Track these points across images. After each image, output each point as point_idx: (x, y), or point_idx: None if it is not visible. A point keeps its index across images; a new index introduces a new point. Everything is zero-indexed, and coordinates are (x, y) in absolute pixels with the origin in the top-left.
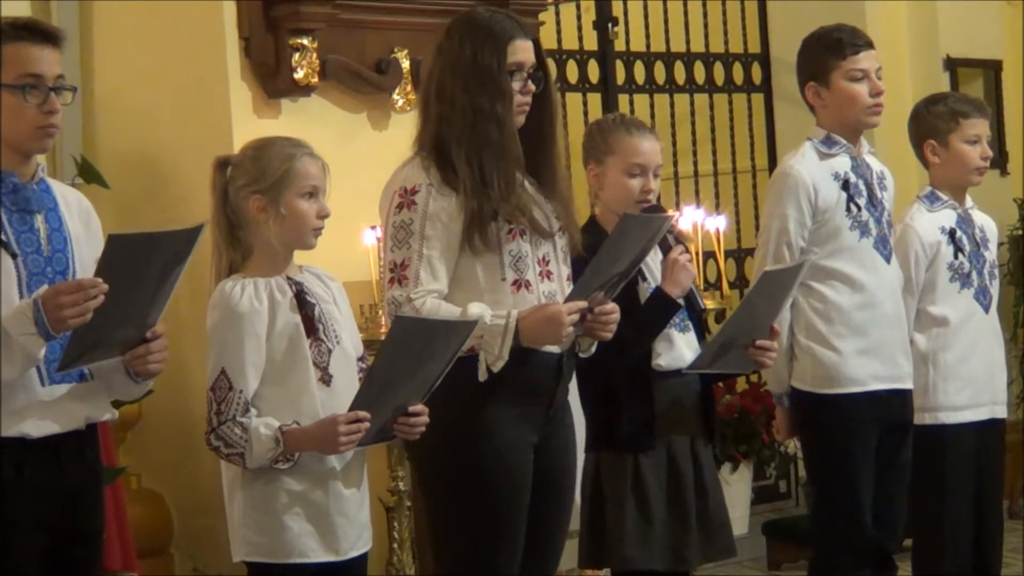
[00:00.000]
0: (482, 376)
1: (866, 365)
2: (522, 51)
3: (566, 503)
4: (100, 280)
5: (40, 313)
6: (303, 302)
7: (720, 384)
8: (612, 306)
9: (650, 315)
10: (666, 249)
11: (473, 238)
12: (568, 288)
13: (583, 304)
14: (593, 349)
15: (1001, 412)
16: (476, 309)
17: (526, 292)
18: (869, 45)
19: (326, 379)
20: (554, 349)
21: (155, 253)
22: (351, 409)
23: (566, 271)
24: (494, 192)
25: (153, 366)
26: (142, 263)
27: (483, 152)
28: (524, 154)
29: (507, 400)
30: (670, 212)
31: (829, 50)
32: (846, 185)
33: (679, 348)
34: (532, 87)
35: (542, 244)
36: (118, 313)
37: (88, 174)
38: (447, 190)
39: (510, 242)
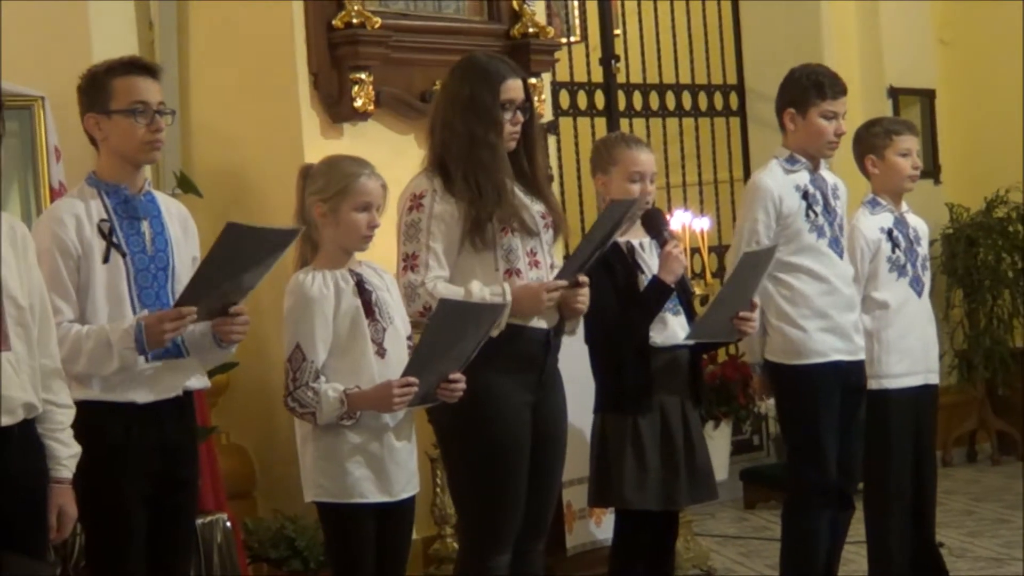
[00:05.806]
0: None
1: (827, 340)
2: (513, 89)
3: (560, 453)
4: (194, 308)
5: (142, 335)
6: (362, 289)
7: (706, 356)
8: (584, 280)
9: (649, 299)
10: (662, 244)
11: (474, 239)
12: (553, 275)
13: (562, 283)
14: (578, 326)
15: (934, 379)
16: (475, 287)
17: (516, 279)
18: (844, 92)
19: (381, 352)
20: (542, 324)
21: (258, 244)
22: (403, 376)
23: (550, 260)
24: (488, 202)
25: (235, 336)
26: (247, 250)
27: (478, 171)
28: (514, 167)
29: (505, 368)
30: (666, 216)
31: (814, 88)
32: (805, 195)
33: (672, 328)
34: (520, 118)
35: (530, 240)
36: (218, 288)
37: (185, 186)
38: (449, 197)
39: (503, 239)
